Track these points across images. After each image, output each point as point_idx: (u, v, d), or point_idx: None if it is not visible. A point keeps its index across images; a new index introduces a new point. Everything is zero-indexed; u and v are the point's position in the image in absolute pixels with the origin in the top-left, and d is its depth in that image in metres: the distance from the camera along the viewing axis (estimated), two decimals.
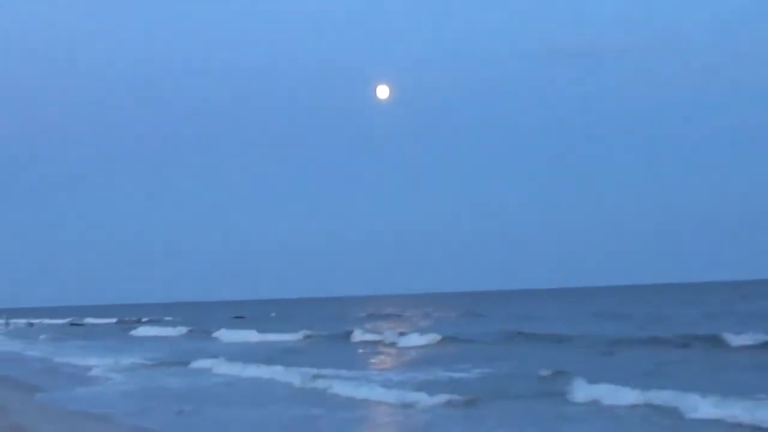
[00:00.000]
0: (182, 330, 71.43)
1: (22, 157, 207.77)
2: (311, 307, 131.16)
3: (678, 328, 41.63)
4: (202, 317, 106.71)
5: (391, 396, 23.11)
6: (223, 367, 33.21)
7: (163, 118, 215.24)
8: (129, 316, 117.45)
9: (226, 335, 58.03)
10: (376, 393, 23.65)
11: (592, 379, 22.58)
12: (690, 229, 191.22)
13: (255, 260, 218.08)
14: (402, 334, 46.89)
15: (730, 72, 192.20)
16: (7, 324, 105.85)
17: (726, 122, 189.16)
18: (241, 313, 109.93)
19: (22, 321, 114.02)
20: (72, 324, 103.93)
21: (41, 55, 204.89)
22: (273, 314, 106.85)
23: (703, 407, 18.00)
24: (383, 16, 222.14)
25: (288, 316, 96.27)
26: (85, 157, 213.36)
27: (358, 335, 48.99)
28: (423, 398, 22.31)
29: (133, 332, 76.14)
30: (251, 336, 55.24)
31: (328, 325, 58.24)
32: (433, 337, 44.48)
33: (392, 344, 43.97)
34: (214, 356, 36.86)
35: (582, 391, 21.84)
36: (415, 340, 43.91)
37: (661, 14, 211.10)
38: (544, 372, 26.60)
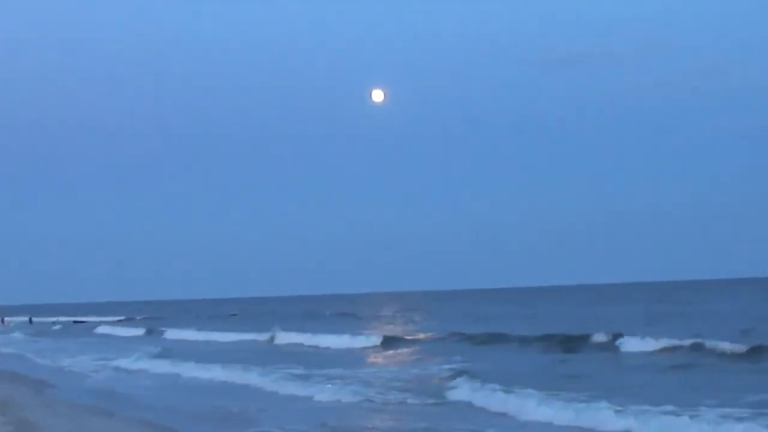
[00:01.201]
0: (140, 330, 73.40)
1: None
2: (298, 305, 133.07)
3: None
4: (197, 314, 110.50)
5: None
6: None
7: (159, 118, 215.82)
8: (129, 314, 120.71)
9: (172, 334, 61.34)
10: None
11: (489, 380, 23.92)
12: (680, 229, 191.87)
13: (257, 259, 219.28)
14: (336, 336, 47.11)
15: (722, 75, 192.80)
16: (2, 322, 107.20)
17: (720, 125, 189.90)
18: (236, 311, 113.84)
19: (20, 319, 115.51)
20: (75, 321, 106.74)
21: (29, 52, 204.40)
22: (235, 314, 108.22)
23: (536, 409, 19.08)
24: (379, 21, 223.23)
25: (259, 315, 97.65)
26: (82, 157, 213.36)
27: (281, 337, 50.09)
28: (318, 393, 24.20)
29: (96, 330, 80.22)
30: (191, 335, 58.67)
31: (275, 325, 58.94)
32: (374, 339, 44.87)
33: (315, 346, 44.48)
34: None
35: (462, 392, 23.02)
36: (347, 341, 44.48)
37: (653, 19, 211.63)
38: (445, 373, 27.77)
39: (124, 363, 37.50)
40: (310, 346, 45.02)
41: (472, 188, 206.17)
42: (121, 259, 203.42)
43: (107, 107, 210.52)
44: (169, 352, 42.07)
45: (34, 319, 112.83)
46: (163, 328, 69.47)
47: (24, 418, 18.21)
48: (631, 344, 34.05)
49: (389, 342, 43.98)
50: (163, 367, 34.97)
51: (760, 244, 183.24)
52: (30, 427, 17.16)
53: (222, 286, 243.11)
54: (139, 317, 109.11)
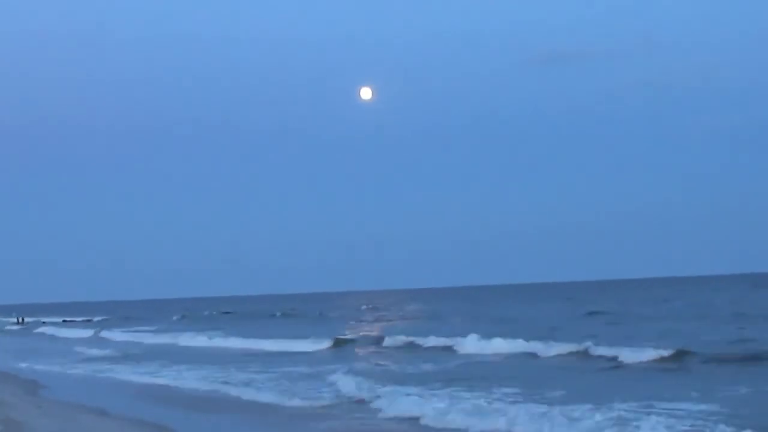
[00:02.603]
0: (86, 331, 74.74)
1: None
2: (282, 303, 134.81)
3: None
4: (187, 311, 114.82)
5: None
6: None
7: (142, 114, 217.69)
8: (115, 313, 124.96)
9: (108, 335, 64.31)
10: None
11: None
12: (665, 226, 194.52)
13: (242, 256, 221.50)
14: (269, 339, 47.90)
15: (711, 73, 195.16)
16: (21, 321, 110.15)
17: (715, 122, 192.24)
18: (230, 309, 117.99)
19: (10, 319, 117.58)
20: (64, 320, 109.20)
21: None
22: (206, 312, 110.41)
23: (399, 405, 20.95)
24: (368, 18, 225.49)
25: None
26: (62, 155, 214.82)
27: (185, 338, 51.99)
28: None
29: (38, 330, 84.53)
30: (117, 336, 62.22)
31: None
32: (324, 342, 44.82)
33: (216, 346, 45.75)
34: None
35: (340, 388, 24.92)
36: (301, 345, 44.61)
37: (648, 16, 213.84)
38: (328, 373, 29.17)
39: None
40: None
41: (460, 185, 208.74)
42: (118, 258, 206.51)
43: (87, 103, 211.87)
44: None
45: (27, 319, 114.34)
46: (106, 329, 71.74)
47: (12, 418, 18.49)
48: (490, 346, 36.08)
49: (338, 345, 44.25)
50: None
51: (755, 241, 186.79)
52: (17, 427, 17.44)
53: (212, 284, 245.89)
54: (96, 318, 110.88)
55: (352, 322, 69.70)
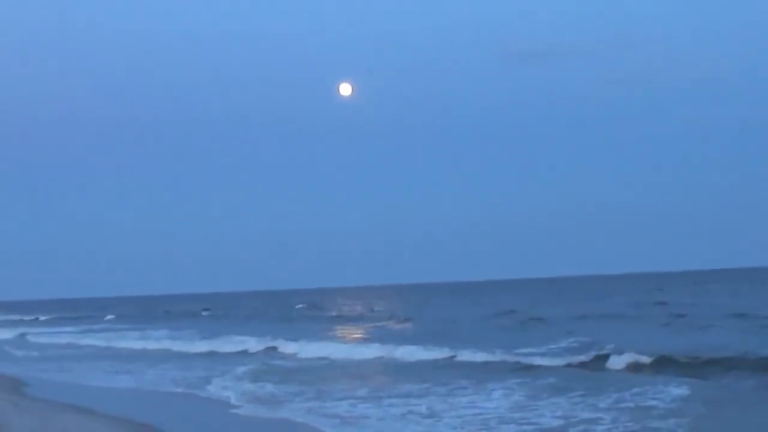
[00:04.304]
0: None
1: None
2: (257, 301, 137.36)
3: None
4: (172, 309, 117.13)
5: None
6: None
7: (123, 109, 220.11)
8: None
9: (34, 338, 66.52)
10: None
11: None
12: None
13: (227, 252, 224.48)
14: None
15: (693, 67, 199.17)
16: None
17: (693, 118, 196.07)
18: (208, 306, 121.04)
19: None
20: (36, 318, 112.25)
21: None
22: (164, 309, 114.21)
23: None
24: (347, 14, 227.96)
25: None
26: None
27: (91, 339, 57.93)
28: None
29: None
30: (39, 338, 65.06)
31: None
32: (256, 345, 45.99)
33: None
34: None
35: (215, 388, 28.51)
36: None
37: (622, 12, 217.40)
38: (202, 376, 32.50)
39: None
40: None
41: (440, 180, 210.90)
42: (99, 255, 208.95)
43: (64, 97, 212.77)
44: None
45: None
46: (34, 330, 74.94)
47: None
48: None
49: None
50: None
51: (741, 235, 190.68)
52: None
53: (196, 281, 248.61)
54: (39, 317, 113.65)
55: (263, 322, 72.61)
